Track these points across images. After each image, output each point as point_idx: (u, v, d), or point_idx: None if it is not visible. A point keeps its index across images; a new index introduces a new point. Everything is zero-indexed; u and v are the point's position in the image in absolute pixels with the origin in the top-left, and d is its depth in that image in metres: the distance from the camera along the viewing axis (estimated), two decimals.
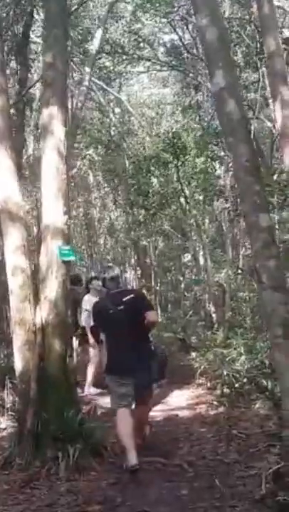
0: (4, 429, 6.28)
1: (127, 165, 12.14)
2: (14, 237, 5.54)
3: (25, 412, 5.22)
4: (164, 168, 10.17)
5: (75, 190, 19.91)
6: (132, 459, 4.92)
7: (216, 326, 12.08)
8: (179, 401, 7.86)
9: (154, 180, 10.52)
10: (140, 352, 5.26)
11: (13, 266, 5.51)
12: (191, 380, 8.74)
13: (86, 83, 10.35)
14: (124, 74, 17.97)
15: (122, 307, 5.25)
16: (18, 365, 5.46)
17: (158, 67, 18.02)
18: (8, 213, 5.57)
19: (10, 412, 6.27)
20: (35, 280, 5.67)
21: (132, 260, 20.68)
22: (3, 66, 5.87)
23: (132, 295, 5.43)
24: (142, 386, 5.30)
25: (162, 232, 12.99)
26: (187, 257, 17.26)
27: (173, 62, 17.40)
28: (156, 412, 7.30)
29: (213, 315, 11.86)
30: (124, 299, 5.30)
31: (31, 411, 5.14)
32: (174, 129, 10.05)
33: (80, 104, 10.32)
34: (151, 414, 6.99)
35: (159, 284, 20.70)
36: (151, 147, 9.92)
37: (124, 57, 17.10)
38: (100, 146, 16.87)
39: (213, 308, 11.85)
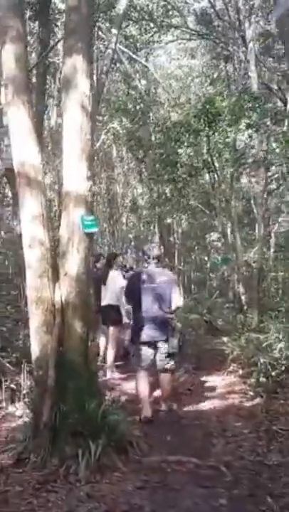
0: (20, 417, 5.65)
1: (154, 134, 11.23)
2: (32, 204, 4.84)
3: (41, 402, 4.56)
4: (194, 137, 9.32)
5: (98, 165, 19.23)
6: (147, 411, 5.77)
7: (245, 308, 11.35)
8: (209, 389, 7.17)
9: (183, 150, 9.66)
10: (163, 326, 5.91)
11: (31, 237, 4.82)
12: (221, 367, 8.03)
13: (112, 45, 9.53)
14: (151, 43, 17.05)
15: (155, 285, 5.91)
16: (35, 349, 4.80)
17: (187, 36, 17.06)
18: (25, 177, 4.86)
19: (26, 399, 5.62)
20: (55, 254, 4.97)
21: (155, 238, 19.90)
22: (18, 9, 5.09)
23: (166, 277, 6.06)
24: (163, 355, 5.99)
25: (189, 208, 12.12)
26: (213, 236, 16.48)
27: (203, 31, 16.44)
28: (185, 401, 6.64)
29: (243, 297, 11.08)
30: (159, 278, 5.95)
31: (48, 402, 4.48)
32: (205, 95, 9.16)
33: (105, 68, 9.52)
34: (181, 404, 6.41)
35: (182, 264, 19.99)
36: (181, 114, 9.06)
37: (152, 25, 16.18)
38: (124, 119, 16.06)
39: (242, 290, 11.07)
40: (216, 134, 9.08)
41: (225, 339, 7.92)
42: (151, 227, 21.62)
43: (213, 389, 7.16)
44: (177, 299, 6.04)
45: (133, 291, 6.04)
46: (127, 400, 6.64)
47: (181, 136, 9.27)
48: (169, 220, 18.80)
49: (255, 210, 15.77)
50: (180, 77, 17.96)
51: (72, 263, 4.81)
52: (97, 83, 9.77)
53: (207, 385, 7.40)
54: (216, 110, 8.55)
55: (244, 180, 15.48)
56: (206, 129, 8.96)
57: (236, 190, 12.47)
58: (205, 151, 10.02)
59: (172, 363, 6.13)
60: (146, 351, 5.95)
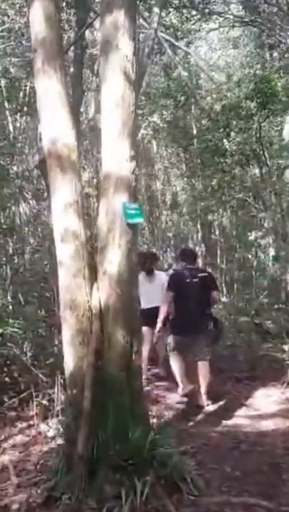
0: (53, 438, 4.81)
1: (200, 121, 10.21)
2: (64, 190, 3.99)
3: (76, 428, 3.70)
4: (245, 122, 8.32)
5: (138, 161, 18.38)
6: (187, 386, 6.22)
7: None
8: (267, 405, 6.19)
9: (233, 137, 8.65)
10: (202, 318, 6.23)
11: (63, 229, 3.97)
12: (278, 377, 7.04)
13: (154, 25, 8.61)
14: (192, 32, 16.04)
15: (196, 280, 6.26)
16: (68, 363, 3.95)
17: (230, 24, 15.98)
18: (57, 158, 4.01)
19: (61, 417, 4.78)
20: (92, 249, 4.11)
21: (197, 236, 18.89)
22: None
23: (205, 274, 6.62)
24: (201, 345, 6.21)
25: (236, 202, 11.10)
26: (258, 233, 15.40)
27: (248, 17, 15.34)
28: (242, 420, 5.68)
29: None
30: (199, 274, 6.36)
31: (84, 429, 3.61)
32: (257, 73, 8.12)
33: (147, 50, 8.60)
34: (237, 422, 5.48)
35: (225, 262, 18.93)
36: (230, 96, 8.10)
37: (194, 12, 15.18)
38: (165, 112, 15.13)
39: None
40: (270, 118, 8.04)
41: (286, 347, 6.87)
42: (192, 225, 20.64)
43: (272, 404, 6.18)
44: (215, 294, 6.47)
45: (177, 286, 6.33)
46: (175, 417, 5.76)
47: (231, 121, 8.30)
48: (210, 217, 17.79)
49: None
50: (222, 68, 16.86)
51: (113, 260, 3.93)
52: (139, 67, 8.90)
53: (265, 399, 6.41)
54: (271, 91, 7.53)
55: None
56: (259, 113, 7.94)
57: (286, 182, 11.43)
58: (254, 139, 8.98)
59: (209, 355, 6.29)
60: (182, 341, 6.26)
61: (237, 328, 9.37)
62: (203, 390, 6.12)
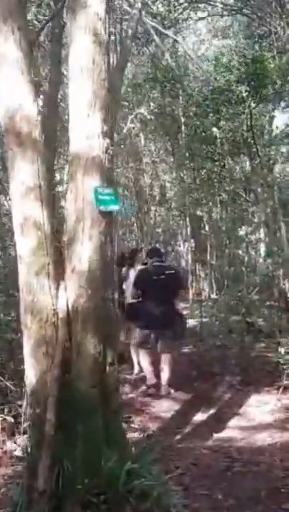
0: (21, 459, 4.13)
1: (188, 107, 9.51)
2: (24, 173, 3.32)
3: (38, 456, 3.04)
4: (236, 107, 7.67)
5: (125, 155, 17.69)
6: (152, 378, 6.38)
7: None
8: (261, 414, 5.57)
9: (223, 124, 8.00)
10: (167, 314, 6.30)
11: (23, 219, 3.30)
12: (273, 381, 6.43)
13: (138, 5, 7.94)
14: (179, 22, 15.36)
15: (162, 277, 6.32)
16: (30, 377, 3.29)
17: (218, 12, 15.33)
18: (16, 135, 3.34)
19: (27, 436, 4.10)
20: (59, 243, 3.46)
21: (186, 232, 18.26)
22: None
23: (172, 271, 6.71)
24: (164, 340, 6.38)
25: (227, 194, 10.45)
26: (249, 228, 14.80)
27: (237, 6, 14.69)
28: (234, 432, 5.05)
29: None
30: (165, 272, 6.42)
31: (46, 459, 2.95)
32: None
33: (130, 32, 7.95)
34: (229, 435, 4.86)
35: (215, 258, 18.33)
36: (220, 79, 7.45)
37: (181, 0, 14.51)
38: (152, 104, 14.48)
39: (288, 286, 9.41)
40: (261, 104, 7.39)
41: (282, 350, 6.24)
42: (181, 221, 20.03)
43: (267, 414, 5.56)
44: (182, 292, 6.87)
45: (143, 284, 6.47)
46: (160, 429, 5.12)
47: (220, 107, 7.64)
48: (200, 212, 17.18)
49: None
50: (211, 59, 16.19)
51: (83, 254, 3.28)
52: (121, 50, 8.24)
53: (259, 407, 5.79)
54: (263, 72, 6.87)
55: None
56: (250, 98, 7.29)
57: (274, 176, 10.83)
58: (245, 127, 8.33)
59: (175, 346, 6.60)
60: (148, 336, 6.44)
61: (228, 328, 8.73)
62: (163, 381, 6.36)
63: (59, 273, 3.34)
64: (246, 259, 12.79)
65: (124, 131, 14.92)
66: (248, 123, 8.15)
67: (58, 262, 3.36)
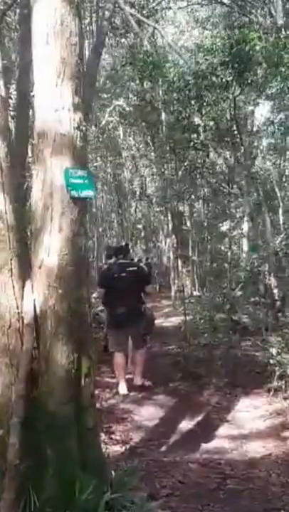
0: None
1: (169, 93, 8.99)
2: None
3: (1, 487, 2.54)
4: (220, 92, 7.20)
5: (103, 148, 17.16)
6: (123, 387, 6.09)
7: (278, 303, 9.32)
8: (253, 420, 5.12)
9: (207, 110, 7.53)
10: (133, 310, 6.19)
11: None
12: (262, 382, 6.00)
13: None
14: (158, 12, 14.90)
15: (124, 274, 6.22)
16: None
17: (198, 1, 14.91)
18: None
19: None
20: (24, 234, 2.96)
21: (168, 227, 17.82)
22: None
23: (135, 267, 6.56)
24: (134, 336, 6.36)
25: (210, 187, 10.00)
26: (233, 222, 14.43)
27: None
28: (225, 442, 4.61)
29: (275, 290, 9.04)
30: (128, 269, 6.29)
31: (9, 491, 2.45)
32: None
33: (107, 14, 7.47)
34: (219, 446, 4.41)
35: (197, 254, 17.97)
36: (202, 63, 6.97)
37: None
38: (131, 95, 13.99)
39: (274, 282, 9.02)
40: (246, 90, 6.93)
41: (273, 351, 5.82)
42: (163, 217, 19.58)
43: (259, 420, 5.11)
44: (147, 288, 6.67)
45: (106, 282, 6.38)
46: (143, 440, 4.66)
47: (203, 92, 7.17)
48: (181, 208, 16.76)
49: (278, 194, 13.76)
50: (190, 50, 15.74)
51: (52, 247, 2.79)
52: (97, 33, 7.74)
53: (250, 412, 5.34)
54: (249, 54, 6.40)
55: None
56: (234, 83, 6.82)
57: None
58: (229, 115, 7.88)
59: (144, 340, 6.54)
60: (119, 336, 6.36)
61: (212, 326, 8.32)
62: (137, 374, 6.36)
63: (24, 270, 2.85)
64: (229, 254, 12.45)
65: (103, 123, 14.42)
66: (232, 111, 7.69)
67: (24, 256, 2.86)
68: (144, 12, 14.59)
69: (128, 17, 11.87)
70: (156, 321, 12.95)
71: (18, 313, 2.77)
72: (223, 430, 4.94)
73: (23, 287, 2.81)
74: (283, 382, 5.63)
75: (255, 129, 9.68)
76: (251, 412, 5.34)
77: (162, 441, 4.69)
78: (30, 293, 2.81)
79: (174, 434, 4.87)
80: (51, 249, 2.78)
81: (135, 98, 12.47)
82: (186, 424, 5.11)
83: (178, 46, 16.86)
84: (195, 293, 16.16)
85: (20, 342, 2.74)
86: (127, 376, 6.40)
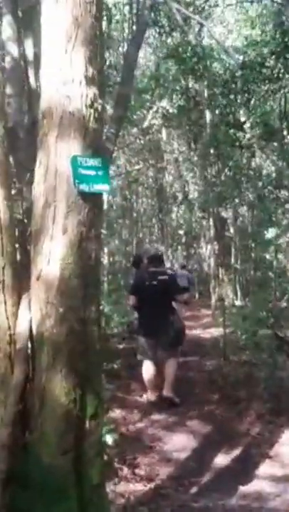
0: None
1: (215, 89, 8.26)
2: None
3: None
4: (268, 83, 6.49)
5: (145, 152, 16.62)
6: (152, 396, 5.99)
7: None
8: None
9: (254, 104, 6.82)
10: (164, 319, 6.08)
11: None
12: None
13: None
14: (206, 9, 14.23)
15: (155, 282, 6.13)
16: None
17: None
18: None
19: None
20: (21, 238, 2.39)
21: (209, 234, 17.08)
22: None
23: (166, 276, 6.30)
24: (163, 346, 6.04)
25: (255, 191, 9.25)
26: (280, 229, 13.56)
27: None
28: (266, 485, 3.92)
29: None
30: (159, 277, 6.16)
31: None
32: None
33: (148, 2, 6.90)
34: (259, 489, 3.74)
35: (239, 262, 17.14)
36: (251, 54, 6.31)
37: None
38: (175, 96, 13.36)
39: None
40: None
41: None
42: (204, 222, 18.86)
43: None
44: (182, 296, 6.68)
45: (137, 289, 6.34)
46: (171, 477, 4.02)
47: (251, 84, 6.48)
48: (224, 214, 16.02)
49: None
50: (238, 49, 15.00)
51: (53, 254, 2.20)
52: (137, 21, 7.18)
53: None
54: None
55: None
56: (286, 75, 6.08)
57: None
58: (278, 112, 7.13)
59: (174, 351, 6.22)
60: (148, 345, 6.13)
61: (255, 342, 7.56)
62: (166, 386, 5.98)
63: (20, 282, 2.27)
64: (275, 263, 11.64)
65: (145, 125, 13.87)
66: (282, 108, 6.95)
67: (19, 265, 2.29)
68: (191, 9, 13.98)
69: (173, 11, 11.32)
70: (194, 332, 12.34)
71: (10, 335, 2.20)
72: (264, 469, 4.23)
73: (17, 304, 2.24)
74: None
75: None
76: None
77: (193, 481, 4.02)
78: (25, 310, 2.23)
79: (206, 472, 4.20)
80: (52, 256, 2.20)
81: (179, 98, 11.81)
82: (221, 459, 4.43)
83: (226, 45, 16.21)
84: (237, 303, 15.36)
85: (10, 371, 2.17)
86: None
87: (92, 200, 2.29)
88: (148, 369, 6.05)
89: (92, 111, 2.29)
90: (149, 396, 6.01)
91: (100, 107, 2.34)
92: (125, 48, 8.34)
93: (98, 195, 2.35)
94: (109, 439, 3.86)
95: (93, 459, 2.25)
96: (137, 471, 4.13)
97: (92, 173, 2.27)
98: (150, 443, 4.81)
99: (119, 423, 5.24)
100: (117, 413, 5.51)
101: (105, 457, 3.78)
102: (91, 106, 2.29)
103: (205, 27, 11.40)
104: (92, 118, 2.29)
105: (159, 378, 6.09)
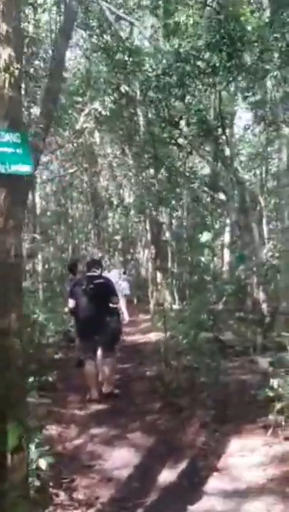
0: None
1: (147, 83, 7.91)
2: None
3: None
4: (206, 79, 6.21)
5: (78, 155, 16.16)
6: (94, 393, 6.24)
7: (266, 319, 8.38)
8: (248, 468, 4.09)
9: (190, 99, 6.52)
10: (101, 321, 6.38)
11: None
12: (256, 416, 4.98)
13: None
14: (136, 11, 14.00)
15: (92, 286, 6.44)
16: None
17: None
18: None
19: None
20: None
21: (146, 238, 16.83)
22: None
23: (102, 280, 6.65)
24: (102, 345, 6.55)
25: (191, 193, 9.03)
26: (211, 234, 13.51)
27: None
28: (216, 501, 3.61)
29: (264, 305, 8.09)
30: (95, 281, 6.50)
31: None
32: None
33: None
34: (209, 507, 3.41)
35: (176, 265, 17.00)
36: (185, 46, 6.01)
37: None
38: (107, 98, 12.98)
39: (262, 295, 8.08)
40: (236, 80, 5.94)
41: (275, 382, 4.78)
42: (141, 227, 18.62)
43: (257, 468, 4.07)
44: (114, 299, 6.57)
45: (75, 292, 6.61)
46: (113, 499, 3.62)
47: (186, 79, 6.19)
48: (160, 218, 15.81)
49: (262, 203, 12.95)
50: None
51: None
52: (66, 11, 6.72)
53: (244, 457, 4.31)
54: (240, 33, 5.42)
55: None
56: (222, 69, 5.82)
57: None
58: (213, 111, 6.91)
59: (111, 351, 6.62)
60: (87, 345, 6.53)
61: (195, 346, 7.28)
62: (106, 382, 6.45)
63: None
64: (211, 266, 11.52)
65: (77, 127, 13.43)
66: (216, 108, 6.73)
67: None
68: (121, 11, 13.71)
69: (104, 11, 10.98)
70: (133, 338, 11.98)
71: None
72: (213, 483, 3.90)
73: None
74: (283, 417, 4.64)
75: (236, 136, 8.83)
76: (246, 457, 4.31)
77: (137, 502, 3.63)
78: None
79: (151, 491, 3.82)
80: None
81: (111, 100, 11.43)
82: (166, 475, 4.07)
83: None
84: (174, 306, 15.16)
85: None
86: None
87: (9, 183, 1.87)
88: (89, 368, 6.34)
89: (7, 75, 1.87)
90: (91, 394, 6.22)
91: (17, 72, 1.92)
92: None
93: (18, 178, 1.92)
94: (42, 463, 3.41)
95: (17, 501, 1.80)
96: (74, 495, 3.70)
97: (9, 150, 1.85)
98: (89, 461, 4.39)
99: (55, 441, 4.77)
100: (52, 430, 5.03)
101: (38, 483, 3.35)
102: (6, 69, 1.87)
103: (135, 26, 11.15)
104: (7, 84, 1.87)
105: (99, 376, 6.50)
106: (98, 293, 6.43)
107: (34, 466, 3.36)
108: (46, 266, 17.70)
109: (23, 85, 11.98)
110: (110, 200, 17.99)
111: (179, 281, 17.18)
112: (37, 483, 3.29)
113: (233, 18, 5.62)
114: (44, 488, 3.53)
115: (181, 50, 6.04)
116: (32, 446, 3.45)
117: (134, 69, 7.67)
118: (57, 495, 3.62)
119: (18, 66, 1.96)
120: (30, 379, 4.37)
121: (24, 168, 1.90)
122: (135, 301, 18.62)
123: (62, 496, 3.63)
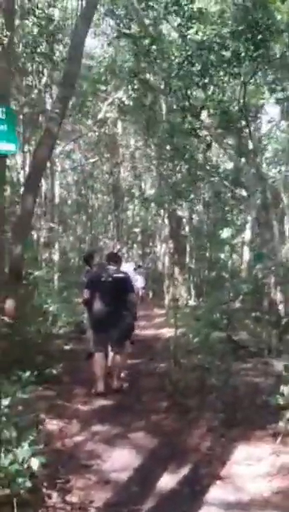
0: None
1: (168, 72, 7.65)
2: None
3: None
4: (230, 68, 5.95)
5: (101, 146, 15.96)
6: (101, 386, 6.16)
7: (283, 320, 8.10)
8: (253, 478, 3.87)
9: (213, 89, 6.28)
10: (115, 315, 6.36)
11: None
12: (266, 421, 4.76)
13: None
14: None
15: (110, 280, 6.47)
16: None
17: None
18: None
19: None
20: None
21: (165, 232, 16.60)
22: None
23: (121, 275, 6.65)
24: (114, 339, 6.44)
25: (212, 188, 8.77)
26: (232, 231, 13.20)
27: None
28: (215, 511, 3.37)
29: (281, 306, 7.82)
30: (114, 275, 6.52)
31: None
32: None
33: None
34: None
35: (194, 261, 16.76)
36: (209, 34, 5.75)
37: None
38: (131, 86, 12.76)
39: (280, 297, 7.80)
40: (263, 68, 5.65)
41: (285, 389, 4.54)
42: (160, 221, 18.38)
43: (262, 478, 3.84)
44: (130, 296, 6.59)
45: (93, 284, 6.57)
46: (109, 504, 3.44)
47: (210, 68, 5.92)
48: (180, 212, 15.57)
49: (285, 201, 12.63)
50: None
51: None
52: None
53: (250, 465, 4.09)
54: (269, 22, 5.11)
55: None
56: (247, 58, 5.54)
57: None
58: (237, 103, 6.64)
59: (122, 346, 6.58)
60: (99, 337, 6.48)
61: (207, 346, 7.06)
62: (115, 377, 6.35)
63: None
64: (229, 263, 11.25)
65: (99, 116, 13.24)
66: (240, 99, 6.45)
67: None
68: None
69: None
70: (146, 332, 11.82)
71: None
72: (215, 492, 3.69)
73: None
74: None
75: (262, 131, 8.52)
76: (252, 466, 4.08)
77: (133, 509, 3.44)
78: None
79: (149, 497, 3.63)
80: None
81: (133, 87, 11.18)
82: (167, 481, 3.87)
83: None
84: (190, 302, 14.94)
85: None
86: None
87: None
88: (98, 359, 6.31)
89: None
90: (97, 387, 6.13)
91: (5, 40, 1.72)
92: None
93: (3, 157, 1.73)
94: (34, 462, 3.23)
95: None
96: (68, 497, 3.51)
97: None
98: (87, 461, 4.21)
99: (55, 436, 4.62)
100: (53, 425, 4.88)
101: (29, 484, 3.18)
102: None
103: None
104: None
105: (108, 370, 6.39)
106: (116, 287, 6.41)
107: (26, 466, 3.20)
108: (63, 256, 17.61)
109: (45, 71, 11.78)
110: (131, 191, 17.77)
111: (196, 277, 16.95)
112: (28, 483, 3.12)
113: (261, 6, 5.32)
114: (37, 488, 3.37)
115: (205, 38, 5.76)
116: (25, 444, 3.29)
117: (158, 56, 7.43)
118: (50, 496, 3.45)
119: (7, 33, 1.76)
120: (28, 372, 4.19)
121: (8, 147, 1.71)
122: (150, 294, 18.45)
123: (55, 497, 3.46)
